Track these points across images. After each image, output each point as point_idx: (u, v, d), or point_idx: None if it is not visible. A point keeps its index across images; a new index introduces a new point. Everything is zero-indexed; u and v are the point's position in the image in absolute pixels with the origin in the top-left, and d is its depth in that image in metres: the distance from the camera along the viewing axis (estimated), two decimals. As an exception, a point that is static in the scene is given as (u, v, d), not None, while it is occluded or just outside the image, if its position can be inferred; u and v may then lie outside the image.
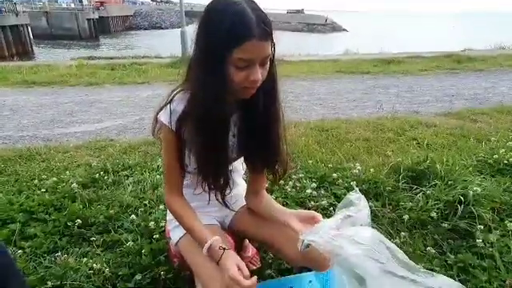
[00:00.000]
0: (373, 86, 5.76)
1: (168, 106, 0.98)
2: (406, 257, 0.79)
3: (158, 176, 2.23)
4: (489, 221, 1.68)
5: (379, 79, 6.35)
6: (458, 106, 4.43)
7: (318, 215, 0.97)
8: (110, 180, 2.21)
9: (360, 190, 1.95)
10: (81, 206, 1.85)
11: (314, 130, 3.37)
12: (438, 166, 2.09)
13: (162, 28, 41.00)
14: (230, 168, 1.10)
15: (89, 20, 28.80)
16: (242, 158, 1.15)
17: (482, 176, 2.12)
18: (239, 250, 1.39)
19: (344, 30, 43.06)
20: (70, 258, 1.49)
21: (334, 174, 2.17)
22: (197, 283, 1.04)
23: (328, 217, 1.76)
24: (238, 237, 1.30)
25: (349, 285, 0.80)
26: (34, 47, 20.84)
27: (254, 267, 1.46)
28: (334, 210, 1.77)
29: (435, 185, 1.94)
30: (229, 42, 0.81)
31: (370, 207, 1.74)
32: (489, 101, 4.74)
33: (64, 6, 32.71)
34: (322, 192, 2.02)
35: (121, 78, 6.45)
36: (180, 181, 1.08)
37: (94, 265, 1.42)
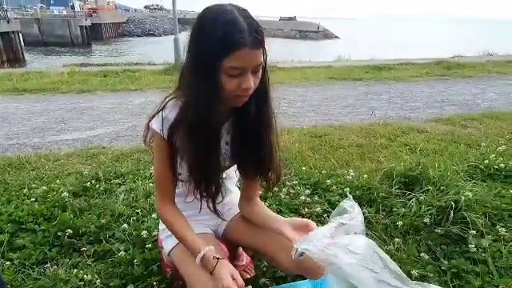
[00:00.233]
0: (365, 93, 5.81)
1: (160, 113, 0.97)
2: (398, 268, 0.79)
3: (150, 184, 2.20)
4: (481, 226, 1.69)
5: (371, 86, 6.42)
6: (448, 112, 4.49)
7: (312, 223, 0.96)
8: (101, 188, 2.18)
9: (353, 196, 1.97)
10: (71, 216, 1.81)
11: (308, 136, 3.38)
12: (430, 171, 2.10)
13: (155, 35, 41.07)
14: (223, 175, 1.09)
15: (81, 27, 28.72)
16: (236, 166, 1.14)
17: (473, 181, 2.14)
18: (233, 258, 1.38)
19: (336, 36, 43.61)
20: (60, 269, 1.46)
21: (328, 181, 2.18)
22: (190, 293, 1.03)
23: (322, 223, 1.77)
24: (231, 245, 1.28)
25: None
26: (25, 54, 20.65)
27: (249, 276, 1.44)
28: (328, 217, 1.77)
29: (427, 190, 1.95)
30: (221, 50, 0.81)
31: (364, 213, 1.75)
32: (478, 106, 4.82)
33: (56, 12, 32.64)
34: (316, 199, 2.02)
35: (113, 84, 6.41)
36: (172, 189, 1.07)
37: (85, 276, 1.39)
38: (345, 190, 2.05)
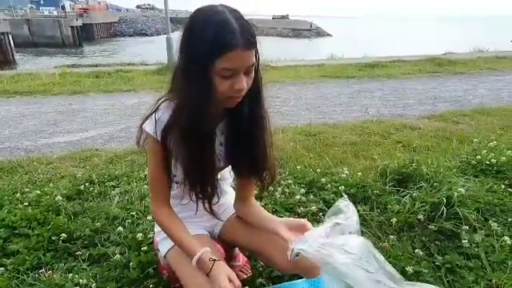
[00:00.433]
0: (358, 90, 5.85)
1: (153, 115, 0.97)
2: (393, 268, 0.80)
3: (145, 186, 2.19)
4: (473, 221, 1.72)
5: (364, 83, 6.46)
6: (440, 109, 4.53)
7: (308, 223, 0.97)
8: (95, 191, 2.16)
9: (348, 194, 1.98)
10: (65, 220, 1.80)
11: (302, 134, 3.39)
12: (423, 168, 2.12)
13: (148, 35, 40.77)
14: (218, 176, 1.09)
15: (72, 27, 28.41)
16: (230, 166, 1.15)
17: (465, 177, 2.17)
18: (230, 258, 1.38)
19: (328, 34, 43.76)
20: (55, 273, 1.44)
21: (323, 179, 2.19)
22: (187, 295, 1.02)
23: (317, 222, 1.78)
24: (228, 246, 1.29)
25: (339, 292, 0.81)
26: (15, 56, 20.38)
27: (245, 276, 1.45)
28: (323, 216, 1.78)
29: (421, 187, 1.97)
30: (213, 51, 0.81)
31: (359, 211, 1.75)
32: (470, 103, 4.88)
33: (46, 13, 32.23)
34: (311, 197, 2.03)
35: (106, 85, 6.35)
36: (167, 191, 1.07)
37: (80, 280, 1.38)
38: (339, 188, 2.06)
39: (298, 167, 2.45)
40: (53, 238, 1.66)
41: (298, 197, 1.98)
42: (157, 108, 0.97)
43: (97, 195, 2.13)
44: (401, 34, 45.61)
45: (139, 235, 1.61)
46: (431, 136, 3.29)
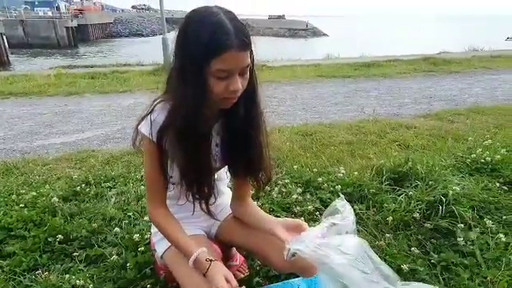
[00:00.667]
0: (354, 90, 5.87)
1: (148, 116, 0.97)
2: (388, 268, 0.81)
3: (141, 187, 2.19)
4: (469, 219, 1.73)
5: (360, 83, 6.48)
6: (436, 108, 4.56)
7: (304, 224, 0.97)
8: (92, 192, 2.16)
9: (344, 194, 1.99)
10: (62, 221, 1.79)
11: (298, 134, 3.40)
12: (418, 167, 2.14)
13: (143, 35, 40.67)
14: (215, 177, 1.10)
15: (67, 28, 28.25)
16: (227, 167, 1.15)
17: (460, 175, 2.19)
18: (227, 258, 1.38)
19: (324, 34, 43.87)
20: (52, 275, 1.44)
21: (319, 179, 2.20)
22: (184, 296, 1.03)
23: (314, 221, 1.79)
24: (225, 246, 1.29)
25: (335, 291, 0.81)
26: (10, 57, 20.21)
27: (242, 275, 1.45)
28: (320, 215, 1.79)
29: (417, 186, 1.99)
30: (207, 53, 0.81)
31: (355, 210, 1.77)
32: (465, 102, 4.91)
33: (41, 14, 32.01)
34: (308, 197, 2.04)
35: (101, 86, 6.33)
36: (163, 192, 1.07)
37: (77, 281, 1.38)
38: (336, 187, 2.07)
39: (295, 167, 2.46)
40: (49, 240, 1.65)
41: (294, 196, 1.99)
42: (152, 109, 0.98)
43: (93, 196, 2.13)
44: (398, 34, 45.81)
45: (136, 236, 1.61)
46: (427, 135, 3.31)
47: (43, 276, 1.43)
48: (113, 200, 2.06)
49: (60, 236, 1.65)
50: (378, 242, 1.63)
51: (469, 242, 1.59)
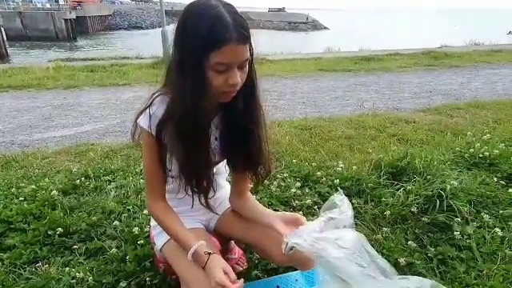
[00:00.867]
0: (354, 84, 5.85)
1: (147, 110, 0.97)
2: (385, 261, 0.81)
3: (141, 180, 2.20)
4: (466, 213, 1.74)
5: (360, 77, 6.46)
6: (435, 102, 4.56)
7: (302, 218, 0.98)
8: (91, 186, 2.16)
9: (343, 188, 2.00)
10: (61, 214, 1.80)
11: (298, 128, 3.40)
12: (417, 161, 2.14)
13: (143, 28, 40.32)
14: (214, 171, 1.10)
15: (66, 20, 27.97)
16: (225, 161, 1.15)
17: (458, 170, 2.20)
18: (225, 251, 1.39)
19: (325, 27, 43.56)
20: (52, 267, 1.45)
21: (318, 173, 2.21)
22: (183, 288, 1.04)
23: (312, 215, 1.80)
24: (223, 239, 1.30)
25: (333, 284, 0.82)
26: (8, 49, 20.06)
27: (241, 268, 1.46)
28: (319, 209, 1.80)
29: (415, 180, 1.99)
30: (206, 46, 0.81)
31: (353, 204, 1.78)
32: (464, 96, 4.90)
33: (39, 6, 31.67)
34: (307, 191, 2.05)
35: (100, 79, 6.30)
36: (162, 186, 1.07)
37: (77, 274, 1.39)
38: (334, 181, 2.08)
39: (294, 161, 2.46)
40: (49, 233, 1.67)
41: (293, 190, 2.00)
42: (151, 102, 0.97)
43: (93, 190, 2.14)
44: (398, 27, 45.50)
45: (135, 229, 1.63)
46: (426, 129, 3.32)
47: (43, 269, 1.45)
48: (112, 193, 2.06)
49: (60, 229, 1.66)
50: (376, 235, 1.65)
51: (465, 236, 1.61)
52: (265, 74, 6.25)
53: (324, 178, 2.15)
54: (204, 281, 0.94)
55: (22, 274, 1.44)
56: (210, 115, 0.97)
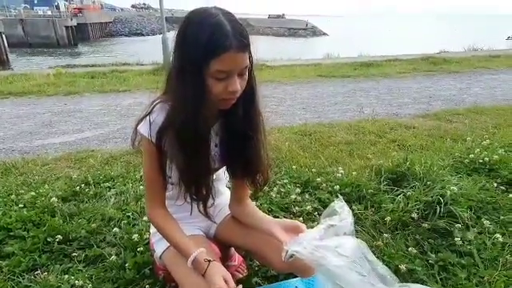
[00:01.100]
0: (353, 90, 5.87)
1: (148, 117, 0.97)
2: (386, 269, 0.81)
3: (141, 187, 2.19)
4: (466, 219, 1.74)
5: (359, 82, 6.48)
6: (435, 108, 4.57)
7: (302, 225, 0.98)
8: (91, 192, 2.16)
9: (343, 194, 2.00)
10: (61, 221, 1.80)
11: (298, 134, 3.41)
12: (416, 167, 2.14)
13: (143, 34, 40.63)
14: (214, 177, 1.10)
15: (67, 27, 28.22)
16: (225, 167, 1.15)
17: (458, 175, 2.20)
18: (225, 258, 1.39)
19: (324, 34, 43.85)
20: (51, 275, 1.45)
21: (318, 179, 2.20)
22: (182, 296, 1.03)
23: (312, 221, 1.79)
24: (223, 246, 1.29)
25: (333, 291, 0.82)
26: (9, 56, 20.18)
27: (241, 275, 1.45)
28: (319, 215, 1.80)
29: (415, 186, 1.99)
30: (206, 54, 0.81)
31: (353, 210, 1.78)
32: (464, 102, 4.91)
33: (40, 13, 31.95)
34: (307, 197, 2.04)
35: (101, 86, 6.32)
36: (162, 193, 1.07)
37: (76, 281, 1.38)
38: (334, 187, 2.08)
39: (294, 167, 2.46)
40: (48, 240, 1.66)
41: (293, 196, 1.99)
42: (151, 110, 0.98)
43: (92, 196, 2.13)
44: (397, 33, 45.79)
45: (135, 236, 1.62)
46: (425, 135, 3.32)
47: (42, 276, 1.44)
48: (112, 200, 2.06)
49: (59, 236, 1.66)
50: (376, 242, 1.64)
51: (466, 242, 1.60)
52: (264, 80, 6.27)
53: (324, 184, 2.15)
54: (204, 288, 0.94)
55: (20, 282, 1.43)
56: (210, 122, 0.97)
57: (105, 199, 2.09)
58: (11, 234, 1.72)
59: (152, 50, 11.65)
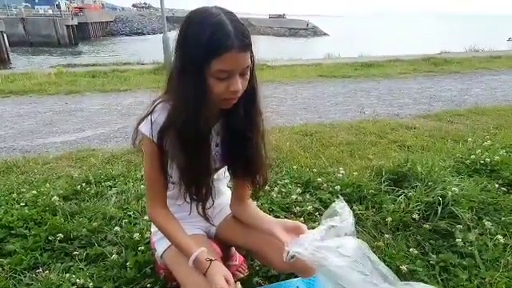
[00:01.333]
0: (354, 90, 5.87)
1: (149, 117, 0.97)
2: (388, 269, 0.81)
3: (142, 186, 2.19)
4: (468, 220, 1.74)
5: (360, 83, 6.48)
6: (436, 108, 4.56)
7: (303, 226, 0.97)
8: (92, 191, 2.16)
9: (344, 194, 2.00)
10: (62, 220, 1.80)
11: (299, 134, 3.41)
12: (418, 167, 2.14)
13: (144, 34, 40.66)
14: (214, 177, 1.10)
15: (67, 26, 28.24)
16: (226, 167, 1.15)
17: (459, 176, 2.19)
18: (226, 258, 1.39)
19: (325, 34, 43.83)
20: (52, 273, 1.45)
21: (319, 179, 2.20)
22: (183, 295, 1.03)
23: (313, 221, 1.79)
24: (224, 245, 1.29)
25: (334, 291, 0.82)
26: (10, 55, 20.21)
27: (242, 275, 1.45)
28: (320, 215, 1.80)
29: (416, 186, 1.99)
30: (208, 53, 0.81)
31: (354, 211, 1.78)
32: (465, 102, 4.91)
33: (41, 12, 31.96)
34: (307, 197, 2.04)
35: (102, 85, 6.33)
36: (163, 192, 1.07)
37: (77, 280, 1.39)
38: (335, 187, 2.08)
39: (295, 167, 2.46)
40: (50, 238, 1.66)
41: (294, 196, 1.99)
42: (153, 109, 0.98)
43: (93, 195, 2.13)
44: (398, 33, 45.75)
45: (136, 235, 1.62)
46: (426, 136, 3.32)
47: (43, 275, 1.44)
48: (113, 199, 2.06)
49: (60, 235, 1.66)
50: (377, 242, 1.64)
51: (467, 243, 1.60)
52: (265, 80, 6.27)
53: (325, 185, 2.15)
54: (205, 287, 0.94)
55: (22, 280, 1.43)
56: (211, 122, 0.97)
57: (106, 198, 2.09)
58: (13, 232, 1.72)
59: (153, 50, 11.66)
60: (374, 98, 5.32)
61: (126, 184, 2.28)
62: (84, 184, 2.25)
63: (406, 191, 1.97)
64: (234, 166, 1.11)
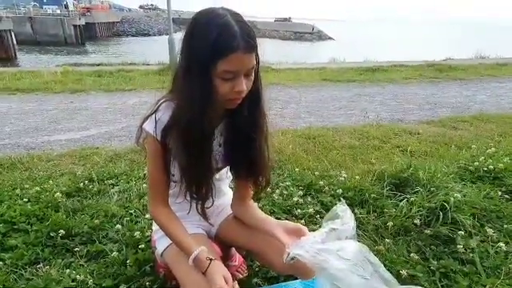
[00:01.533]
0: (358, 94, 5.86)
1: (153, 115, 0.98)
2: (388, 273, 0.81)
3: (144, 185, 2.21)
4: (469, 227, 1.73)
5: (365, 87, 6.47)
6: (440, 114, 4.55)
7: (304, 228, 0.97)
8: (94, 189, 2.18)
9: (345, 198, 1.99)
10: (64, 216, 1.81)
11: (301, 137, 3.40)
12: (420, 173, 2.13)
13: (150, 35, 40.89)
14: (216, 177, 1.11)
15: (75, 26, 28.48)
16: (229, 167, 1.16)
17: (462, 183, 2.18)
18: (226, 258, 1.39)
19: (330, 38, 43.84)
20: (53, 269, 1.46)
21: (321, 182, 2.20)
22: (183, 293, 1.04)
23: (314, 224, 1.79)
24: (224, 245, 1.30)
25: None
26: (17, 53, 20.41)
27: (241, 276, 1.45)
28: (321, 218, 1.79)
29: (418, 192, 1.98)
30: (214, 54, 0.82)
31: (356, 214, 1.77)
32: (469, 109, 4.89)
33: (49, 11, 32.29)
34: (309, 200, 2.04)
35: (107, 84, 6.37)
36: (166, 191, 1.08)
37: (78, 276, 1.39)
38: (337, 191, 2.08)
39: (297, 169, 2.46)
40: (51, 234, 1.67)
41: (295, 199, 1.99)
42: (157, 108, 0.99)
43: (96, 193, 2.15)
44: (403, 38, 45.65)
45: (137, 233, 1.63)
46: (430, 141, 3.30)
47: (44, 270, 1.45)
48: (115, 197, 2.08)
49: (62, 231, 1.67)
50: (378, 246, 1.63)
51: (469, 250, 1.59)
52: (270, 82, 6.28)
53: (327, 188, 2.15)
54: (204, 287, 0.94)
55: (22, 275, 1.44)
56: (214, 122, 0.98)
57: (108, 196, 2.11)
58: (15, 227, 1.74)
59: (158, 51, 11.72)
60: (378, 102, 5.31)
61: (128, 182, 2.29)
62: (87, 181, 2.27)
63: (407, 196, 1.97)
64: (237, 166, 1.11)
